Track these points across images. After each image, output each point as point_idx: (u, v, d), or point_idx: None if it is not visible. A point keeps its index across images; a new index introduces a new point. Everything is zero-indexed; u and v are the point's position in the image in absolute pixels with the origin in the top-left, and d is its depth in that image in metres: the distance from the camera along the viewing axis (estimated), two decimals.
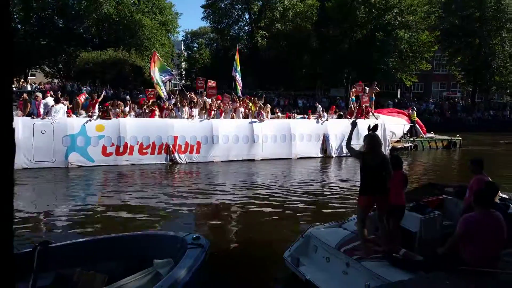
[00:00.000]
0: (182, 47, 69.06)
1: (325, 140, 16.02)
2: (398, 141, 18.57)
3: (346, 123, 16.59)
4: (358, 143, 15.97)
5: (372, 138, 4.61)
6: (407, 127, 19.40)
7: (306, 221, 7.32)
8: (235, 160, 14.17)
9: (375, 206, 4.75)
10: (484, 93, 39.70)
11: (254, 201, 8.91)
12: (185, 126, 13.85)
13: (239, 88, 17.70)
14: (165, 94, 16.39)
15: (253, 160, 14.46)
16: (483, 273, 3.61)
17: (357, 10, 34.48)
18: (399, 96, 39.24)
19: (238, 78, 17.52)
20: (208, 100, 15.57)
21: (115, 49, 36.11)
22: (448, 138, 20.56)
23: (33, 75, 44.79)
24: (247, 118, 15.35)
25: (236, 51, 18.75)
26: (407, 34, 34.43)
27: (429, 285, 3.44)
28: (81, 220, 7.35)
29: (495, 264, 3.78)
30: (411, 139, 19.41)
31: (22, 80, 33.78)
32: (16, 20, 38.43)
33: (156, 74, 15.78)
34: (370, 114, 17.60)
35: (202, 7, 43.20)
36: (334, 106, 20.03)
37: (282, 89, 42.60)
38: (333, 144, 16.16)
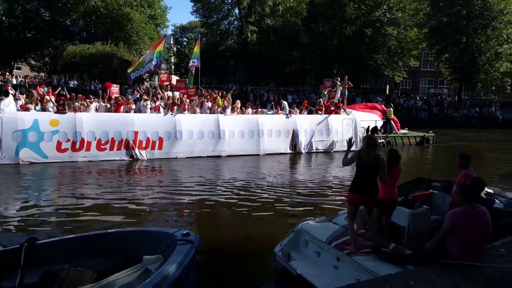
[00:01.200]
0: (172, 42, 68.42)
1: (295, 136, 15.75)
2: None
3: (316, 119, 16.67)
4: (328, 139, 16.35)
5: (368, 138, 4.78)
6: (380, 123, 19.23)
7: (293, 216, 7.36)
8: (200, 157, 13.77)
9: (363, 203, 4.81)
10: (470, 90, 40.30)
11: (234, 197, 8.89)
12: (147, 121, 13.37)
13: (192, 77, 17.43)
14: (138, 74, 16.01)
15: (219, 156, 14.10)
16: (469, 266, 3.69)
17: (346, 6, 34.56)
18: (387, 92, 39.57)
19: (193, 69, 17.25)
20: (175, 94, 15.08)
21: (103, 43, 35.56)
22: (421, 134, 20.58)
23: (19, 68, 43.88)
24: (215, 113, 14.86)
25: (197, 41, 18.40)
26: (395, 31, 34.67)
27: (417, 278, 3.49)
28: (34, 221, 6.85)
29: (480, 258, 3.86)
30: (384, 135, 19.30)
31: (8, 74, 33.10)
32: (0, 12, 37.56)
33: (148, 55, 15.60)
34: (342, 109, 17.44)
35: (191, 1, 42.77)
36: (305, 102, 19.82)
37: (272, 84, 42.61)
38: (303, 140, 15.94)
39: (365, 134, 4.17)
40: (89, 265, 3.97)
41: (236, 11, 42.60)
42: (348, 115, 17.35)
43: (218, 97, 15.88)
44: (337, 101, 17.90)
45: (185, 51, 63.12)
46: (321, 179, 11.58)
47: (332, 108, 17.12)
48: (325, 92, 18.47)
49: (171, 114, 13.70)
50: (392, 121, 20.12)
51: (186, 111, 14.19)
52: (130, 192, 9.16)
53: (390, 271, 3.79)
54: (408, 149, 19.14)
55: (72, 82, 31.26)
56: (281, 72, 41.48)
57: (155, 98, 14.58)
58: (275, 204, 8.38)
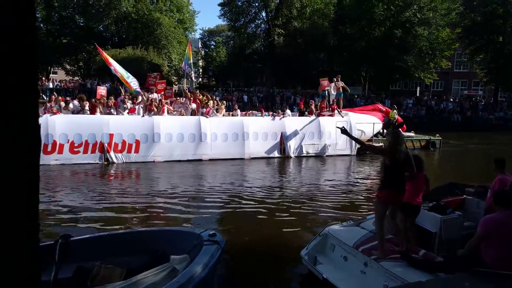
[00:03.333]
0: (199, 45, 69.48)
1: (283, 139, 14.91)
2: (369, 141, 17.12)
3: (306, 121, 15.70)
4: (319, 142, 15.44)
5: (396, 133, 4.51)
6: (379, 126, 17.92)
7: (317, 221, 7.29)
8: (180, 160, 13.25)
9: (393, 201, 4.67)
10: (507, 91, 38.60)
11: (243, 200, 8.86)
12: (122, 123, 12.96)
13: (193, 82, 16.95)
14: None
15: (200, 160, 13.53)
16: (504, 275, 3.52)
17: (375, 7, 33.96)
18: (417, 94, 38.53)
19: (191, 71, 16.90)
20: (154, 96, 14.70)
21: (133, 47, 36.58)
22: (426, 138, 19.20)
23: (55, 73, 45.81)
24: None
25: (188, 43, 17.83)
26: (426, 31, 33.72)
27: (449, 286, 3.37)
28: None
29: None
30: (384, 138, 18.41)
31: (44, 78, 34.59)
32: (39, 19, 39.31)
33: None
34: (336, 111, 16.45)
35: (219, 5, 43.27)
36: (302, 102, 18.62)
37: (299, 87, 42.40)
38: (292, 143, 15.03)
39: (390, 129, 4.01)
40: (119, 262, 4.08)
41: (263, 14, 42.73)
42: (342, 117, 16.26)
43: (205, 99, 15.32)
44: (331, 103, 16.86)
45: (212, 54, 63.98)
46: (319, 182, 11.35)
47: (324, 111, 16.17)
48: (323, 91, 17.66)
49: (149, 116, 13.34)
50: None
51: (165, 113, 13.74)
52: (115, 197, 9.03)
53: (420, 278, 3.68)
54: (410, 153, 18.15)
55: (104, 85, 32.28)
56: (308, 74, 41.19)
57: (135, 100, 14.29)
58: (299, 207, 8.32)
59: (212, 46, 66.51)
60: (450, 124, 30.36)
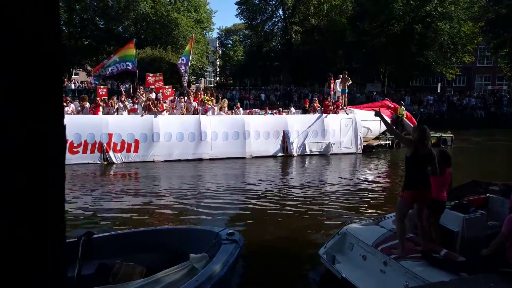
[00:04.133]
0: (217, 44, 69.87)
1: (286, 137, 14.58)
2: (376, 138, 16.95)
3: (309, 119, 15.34)
4: (323, 140, 14.99)
5: (423, 129, 4.44)
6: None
7: (334, 219, 7.24)
8: (179, 160, 13.10)
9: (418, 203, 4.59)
10: None
11: (262, 199, 8.85)
12: (121, 123, 12.89)
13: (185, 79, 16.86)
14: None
15: (201, 159, 13.32)
16: None
17: (394, 2, 33.33)
18: (439, 90, 37.65)
19: (187, 68, 16.66)
20: (154, 95, 14.62)
21: (152, 48, 37.10)
22: (437, 135, 18.20)
23: (76, 74, 46.93)
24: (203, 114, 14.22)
25: (191, 39, 17.60)
26: (447, 26, 32.87)
27: (473, 286, 3.29)
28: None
29: None
30: (392, 136, 17.41)
31: (66, 80, 35.47)
32: (61, 22, 40.30)
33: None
34: (340, 108, 16.03)
35: (236, 4, 43.39)
36: (307, 100, 18.03)
37: (316, 84, 42.11)
38: (295, 141, 14.69)
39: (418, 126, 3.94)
40: (139, 259, 4.16)
41: (280, 12, 42.61)
42: (347, 114, 15.94)
43: (206, 97, 15.13)
44: (335, 100, 16.48)
45: (230, 53, 64.24)
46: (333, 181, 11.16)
47: (330, 108, 15.75)
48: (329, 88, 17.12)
49: (149, 115, 13.25)
50: (405, 120, 17.95)
51: (165, 112, 13.66)
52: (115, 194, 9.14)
53: (441, 278, 3.61)
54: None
55: (124, 85, 32.87)
56: (326, 72, 40.81)
57: (135, 99, 14.16)
58: (315, 206, 8.28)
59: (229, 45, 66.78)
60: (473, 120, 29.54)
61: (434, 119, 27.73)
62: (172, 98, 15.02)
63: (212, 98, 15.30)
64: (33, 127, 1.31)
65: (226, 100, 15.88)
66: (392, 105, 18.55)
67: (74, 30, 41.76)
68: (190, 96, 15.15)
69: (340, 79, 17.02)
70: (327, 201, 8.70)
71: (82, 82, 37.17)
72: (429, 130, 4.49)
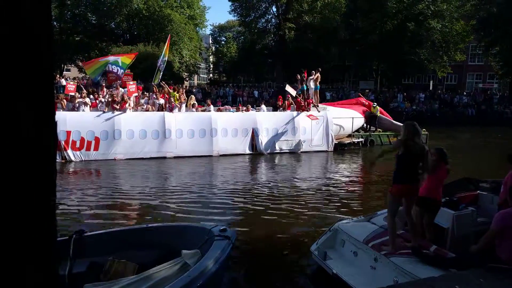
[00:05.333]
0: (210, 41, 69.58)
1: (255, 135, 14.29)
2: (349, 136, 16.78)
3: (279, 116, 15.18)
4: (294, 138, 14.77)
5: (411, 126, 4.44)
6: (360, 120, 17.23)
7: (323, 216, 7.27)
8: (142, 158, 12.84)
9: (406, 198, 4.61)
10: None
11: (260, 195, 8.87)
12: (81, 120, 12.52)
13: (159, 77, 16.42)
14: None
15: (165, 157, 13.05)
16: None
17: (387, 1, 33.47)
18: (431, 88, 37.94)
19: (162, 67, 16.33)
20: (119, 91, 14.29)
21: (145, 44, 36.82)
22: None
23: (68, 70, 46.46)
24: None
25: (168, 39, 17.14)
26: (439, 24, 33.11)
27: (461, 283, 3.33)
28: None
29: None
30: (367, 133, 17.38)
31: (58, 76, 35.09)
32: (53, 17, 39.86)
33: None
34: (312, 105, 15.77)
35: (229, 0, 43.23)
36: (281, 96, 17.82)
37: None
38: (264, 139, 14.40)
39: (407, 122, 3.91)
40: (131, 257, 4.15)
41: (274, 9, 42.53)
42: (319, 111, 15.69)
43: (175, 93, 14.70)
44: (307, 97, 16.16)
45: (223, 50, 64.02)
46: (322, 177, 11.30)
47: (302, 104, 15.50)
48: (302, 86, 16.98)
49: (111, 112, 12.90)
50: (381, 115, 17.96)
51: (127, 109, 13.28)
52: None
53: (431, 274, 3.65)
54: (390, 148, 16.92)
55: (115, 82, 32.63)
56: (320, 69, 40.92)
57: (97, 95, 13.86)
58: (307, 203, 8.32)
59: (223, 42, 66.53)
60: (464, 118, 29.84)
61: (426, 117, 27.92)
62: (136, 94, 14.65)
63: (181, 94, 14.96)
64: (24, 124, 1.30)
65: (193, 97, 15.57)
66: (367, 103, 18.52)
67: (66, 25, 41.31)
68: (156, 93, 14.75)
69: (313, 76, 16.79)
70: (316, 199, 8.75)
71: (74, 78, 36.78)
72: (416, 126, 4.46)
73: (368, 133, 17.39)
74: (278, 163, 13.39)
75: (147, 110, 13.90)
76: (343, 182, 10.66)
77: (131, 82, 14.89)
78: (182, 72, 42.46)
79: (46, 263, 1.40)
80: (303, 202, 8.33)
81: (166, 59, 16.42)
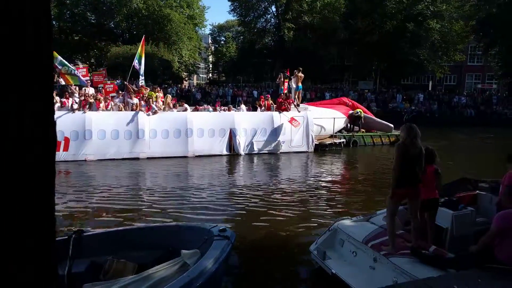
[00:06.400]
0: (209, 41, 69.56)
1: (232, 135, 13.96)
2: (331, 137, 16.40)
3: (258, 117, 14.85)
4: (273, 139, 14.44)
5: (411, 128, 4.42)
6: (342, 120, 16.87)
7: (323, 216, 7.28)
8: (114, 159, 12.50)
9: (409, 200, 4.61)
10: None
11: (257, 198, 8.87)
12: None
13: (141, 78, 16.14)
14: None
15: (138, 158, 12.73)
16: None
17: (386, 1, 33.50)
18: (430, 88, 37.98)
19: (138, 68, 15.90)
20: (89, 91, 13.96)
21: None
22: (396, 133, 17.14)
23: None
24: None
25: (142, 40, 16.63)
26: (438, 25, 33.17)
27: (459, 283, 3.34)
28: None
29: None
30: (349, 134, 17.12)
31: (56, 75, 35.04)
32: (52, 17, 39.81)
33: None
34: (292, 105, 15.45)
35: (229, 0, 43.20)
36: (262, 96, 17.31)
37: (309, 82, 42.19)
38: (241, 140, 14.05)
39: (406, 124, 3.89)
40: (131, 257, 4.15)
41: (273, 8, 42.53)
42: (299, 111, 15.36)
43: (153, 93, 14.39)
44: (286, 97, 15.80)
45: (222, 50, 64.02)
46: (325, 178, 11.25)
47: (284, 105, 15.13)
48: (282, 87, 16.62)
49: (82, 112, 12.56)
50: (365, 114, 17.78)
51: (99, 109, 12.96)
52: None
53: (430, 274, 3.66)
54: (376, 149, 16.80)
55: (116, 81, 32.58)
56: (319, 69, 40.93)
57: (67, 94, 13.58)
58: (303, 203, 8.33)
59: (222, 42, 66.52)
60: (463, 118, 29.85)
61: (425, 117, 27.94)
62: (114, 94, 14.38)
63: (159, 94, 14.60)
64: (23, 123, 1.30)
65: (170, 96, 15.28)
66: (350, 103, 18.28)
67: (65, 24, 41.22)
68: (130, 92, 14.37)
69: (295, 76, 16.51)
70: (315, 199, 8.76)
71: None
72: (415, 128, 4.43)
73: (351, 134, 17.17)
74: (258, 164, 13.15)
75: (120, 110, 13.57)
76: (332, 182, 10.72)
77: (109, 82, 14.62)
78: (181, 71, 42.46)
79: (45, 263, 1.40)
80: (298, 202, 8.34)
81: (143, 59, 16.00)
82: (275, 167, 12.79)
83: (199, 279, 3.43)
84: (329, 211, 7.78)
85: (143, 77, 16.37)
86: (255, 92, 34.39)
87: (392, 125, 18.02)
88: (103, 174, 11.08)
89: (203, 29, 52.14)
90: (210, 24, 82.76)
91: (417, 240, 4.49)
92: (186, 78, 48.77)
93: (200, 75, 73.79)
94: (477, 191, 5.88)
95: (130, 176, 10.97)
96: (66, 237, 4.11)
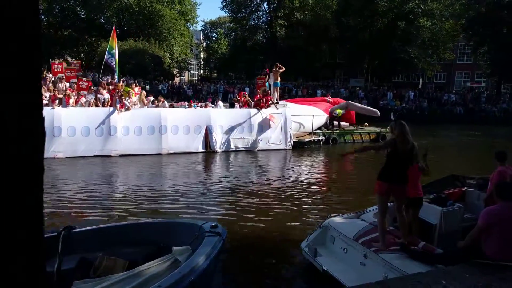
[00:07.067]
0: (201, 37, 69.19)
1: (208, 132, 13.72)
2: (310, 134, 16.13)
3: (235, 113, 14.62)
4: (250, 136, 14.24)
5: (402, 125, 4.48)
6: (322, 118, 16.63)
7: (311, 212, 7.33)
8: (85, 156, 12.16)
9: (394, 197, 4.68)
10: (511, 83, 38.35)
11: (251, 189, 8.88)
12: None
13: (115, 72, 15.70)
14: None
15: (109, 156, 12.43)
16: (505, 267, 3.54)
17: None
18: (420, 86, 38.35)
19: (111, 62, 15.38)
20: (62, 86, 13.58)
21: (135, 39, 36.46)
22: (376, 130, 17.63)
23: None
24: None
25: (113, 30, 16.00)
26: (429, 22, 33.48)
27: (447, 278, 3.40)
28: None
29: None
30: (329, 131, 16.92)
31: (45, 71, 34.58)
32: (40, 11, 39.23)
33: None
34: (271, 102, 15.23)
35: None
36: (242, 93, 17.03)
37: (301, 79, 42.27)
38: (218, 137, 13.81)
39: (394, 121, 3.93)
40: (121, 253, 4.12)
41: (265, 5, 42.50)
42: (277, 109, 15.14)
43: (129, 89, 14.07)
44: (265, 94, 15.51)
45: (214, 46, 63.74)
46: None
47: (262, 102, 14.86)
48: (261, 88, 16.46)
49: (51, 108, 12.18)
50: (347, 104, 17.69)
51: (69, 105, 12.59)
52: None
53: (419, 270, 3.71)
54: (356, 147, 15.96)
55: (106, 77, 32.25)
56: (310, 66, 41.04)
57: None
58: (296, 200, 8.37)
59: (214, 38, 66.25)
60: (452, 116, 30.21)
61: (415, 115, 28.20)
62: (86, 92, 13.97)
63: (134, 90, 14.28)
64: (10, 118, 1.28)
65: (144, 92, 14.86)
66: (332, 100, 18.19)
67: (54, 19, 40.63)
68: (103, 88, 14.04)
69: (273, 72, 16.19)
70: (304, 197, 8.80)
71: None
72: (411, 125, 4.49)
73: (330, 131, 17.03)
74: (235, 161, 12.92)
75: (90, 106, 13.24)
76: (318, 179, 10.78)
77: (84, 79, 14.21)
78: (172, 68, 42.19)
79: (33, 259, 1.39)
80: (287, 200, 8.35)
81: (116, 52, 15.44)
82: (255, 165, 12.60)
83: (190, 276, 3.43)
84: (318, 208, 7.83)
85: (116, 72, 15.96)
86: (247, 89, 34.37)
87: (376, 110, 18.02)
88: (73, 172, 10.73)
89: (194, 25, 51.85)
90: (201, 21, 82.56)
91: (405, 236, 4.55)
92: (178, 75, 48.47)
93: (192, 72, 73.39)
94: (465, 188, 5.98)
95: (102, 174, 10.65)
96: (56, 233, 4.07)
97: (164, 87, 31.84)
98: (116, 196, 8.53)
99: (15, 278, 1.33)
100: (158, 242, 4.32)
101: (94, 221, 6.52)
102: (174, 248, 3.96)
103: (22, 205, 1.33)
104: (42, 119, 1.38)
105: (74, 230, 4.20)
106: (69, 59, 43.70)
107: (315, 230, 5.35)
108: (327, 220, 5.34)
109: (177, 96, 30.01)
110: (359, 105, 18.48)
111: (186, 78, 66.89)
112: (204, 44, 69.42)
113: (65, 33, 41.27)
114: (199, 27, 65.76)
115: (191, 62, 58.80)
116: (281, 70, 16.04)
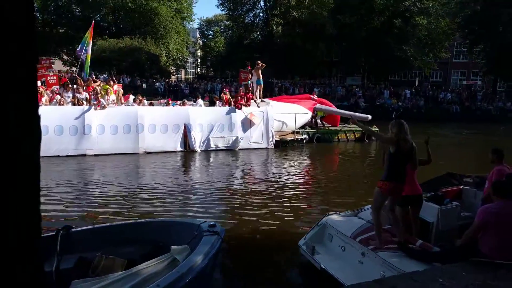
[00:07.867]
0: (198, 35, 69.04)
1: (187, 131, 13.42)
2: (293, 132, 15.78)
3: (215, 112, 14.31)
4: (231, 135, 13.94)
5: (401, 124, 4.49)
6: (305, 116, 16.20)
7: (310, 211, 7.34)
8: (58, 156, 11.71)
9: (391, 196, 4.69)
10: (506, 81, 38.55)
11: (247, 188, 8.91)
12: None
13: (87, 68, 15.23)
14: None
15: (84, 155, 12.10)
16: (501, 265, 3.57)
17: None
18: (417, 84, 38.48)
19: (82, 54, 14.89)
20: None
21: (131, 37, 36.31)
22: (359, 129, 16.94)
23: (52, 63, 45.46)
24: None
25: (92, 25, 15.72)
26: (425, 21, 33.59)
27: (444, 276, 3.42)
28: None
29: None
30: (314, 130, 16.63)
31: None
32: (35, 9, 38.94)
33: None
34: (252, 101, 14.94)
35: None
36: (227, 89, 16.71)
37: (297, 77, 42.27)
38: (197, 136, 13.49)
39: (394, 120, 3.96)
40: (120, 253, 4.11)
41: (262, 3, 42.42)
42: (259, 107, 14.89)
43: (107, 86, 13.66)
44: (246, 91, 15.17)
45: (210, 44, 63.61)
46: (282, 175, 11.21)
47: (241, 101, 14.58)
48: (242, 83, 16.23)
49: None
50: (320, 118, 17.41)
51: (42, 104, 12.17)
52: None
53: (416, 268, 3.73)
54: (341, 146, 16.35)
55: (102, 76, 32.12)
56: (307, 64, 41.03)
57: None
58: (293, 199, 8.38)
59: (210, 36, 66.10)
60: (448, 114, 30.33)
61: (412, 113, 28.27)
62: (57, 87, 13.59)
63: (112, 88, 13.87)
64: (6, 117, 1.27)
65: (121, 90, 14.57)
66: (316, 98, 17.91)
67: (49, 17, 40.40)
68: (80, 85, 13.57)
69: (255, 70, 15.88)
70: (304, 195, 8.81)
71: (58, 71, 36.09)
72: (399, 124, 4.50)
73: (315, 130, 16.77)
74: (215, 160, 12.72)
75: (62, 104, 12.83)
76: (309, 178, 10.77)
77: (51, 73, 13.74)
78: (169, 66, 42.07)
79: (31, 259, 1.38)
80: (282, 199, 8.34)
81: (90, 47, 15.08)
82: (239, 164, 12.46)
83: (188, 275, 3.43)
84: (315, 206, 7.85)
85: (85, 67, 15.40)
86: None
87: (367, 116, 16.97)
88: (45, 172, 10.39)
89: (191, 23, 51.73)
90: (198, 18, 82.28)
91: (401, 234, 4.56)
92: (174, 73, 48.36)
93: (188, 70, 73.24)
94: (462, 186, 6.00)
95: (75, 175, 10.31)
96: (54, 233, 4.06)
97: (161, 86, 31.76)
98: (88, 197, 8.16)
99: (14, 278, 1.33)
100: (157, 241, 4.32)
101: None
102: (173, 247, 3.95)
103: (20, 205, 1.32)
104: (38, 117, 1.38)
105: (73, 230, 4.19)
106: (65, 57, 43.51)
107: (313, 228, 5.37)
108: (325, 218, 5.35)
109: (174, 94, 29.94)
110: (349, 112, 17.85)
111: (183, 76, 66.76)
112: (201, 42, 69.27)
113: (60, 31, 41.02)
114: (195, 25, 65.63)
115: (187, 60, 58.68)
116: (262, 68, 15.78)
